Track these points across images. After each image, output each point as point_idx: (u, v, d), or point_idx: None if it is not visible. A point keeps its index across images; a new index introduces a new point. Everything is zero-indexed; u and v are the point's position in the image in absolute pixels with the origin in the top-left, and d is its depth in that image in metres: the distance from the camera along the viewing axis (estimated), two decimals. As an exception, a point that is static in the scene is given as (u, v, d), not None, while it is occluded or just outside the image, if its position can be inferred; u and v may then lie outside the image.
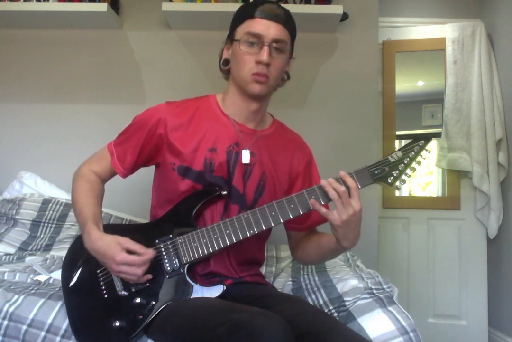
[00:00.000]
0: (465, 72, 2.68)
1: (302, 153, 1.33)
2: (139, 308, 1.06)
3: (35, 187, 2.12)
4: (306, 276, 1.44)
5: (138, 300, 1.06)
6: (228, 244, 1.09)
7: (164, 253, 1.10)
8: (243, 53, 1.15)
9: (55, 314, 1.09)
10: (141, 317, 1.05)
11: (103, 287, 1.10)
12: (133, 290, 1.07)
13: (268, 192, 1.23)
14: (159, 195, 1.27)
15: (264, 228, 1.08)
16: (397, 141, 2.91)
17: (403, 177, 1.11)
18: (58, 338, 1.06)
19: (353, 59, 2.29)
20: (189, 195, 1.18)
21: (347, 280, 1.25)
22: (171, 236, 1.12)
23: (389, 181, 1.10)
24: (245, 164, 1.21)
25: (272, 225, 1.09)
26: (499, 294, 2.61)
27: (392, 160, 1.10)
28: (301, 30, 2.27)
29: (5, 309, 1.09)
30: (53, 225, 1.90)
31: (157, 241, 1.12)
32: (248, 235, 1.08)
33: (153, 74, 2.28)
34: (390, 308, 1.07)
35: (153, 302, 1.06)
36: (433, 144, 3.15)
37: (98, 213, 1.15)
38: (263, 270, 1.62)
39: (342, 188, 1.04)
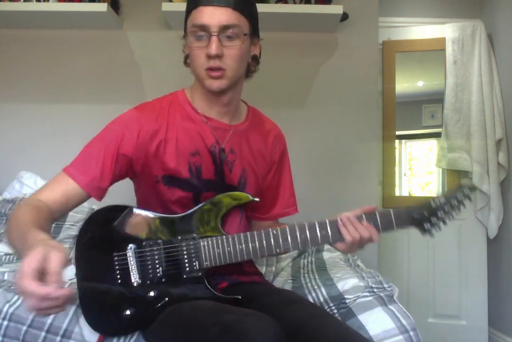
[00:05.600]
0: (465, 72, 2.68)
1: (279, 143, 1.30)
2: (152, 302, 1.03)
3: (35, 187, 2.11)
4: (306, 274, 1.44)
5: (152, 293, 1.03)
6: (252, 257, 1.06)
7: (185, 253, 1.06)
8: (193, 48, 1.07)
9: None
10: (153, 311, 1.03)
11: (118, 272, 1.05)
12: (148, 282, 1.04)
13: (251, 188, 1.21)
14: (150, 207, 1.16)
15: (291, 250, 1.07)
16: (397, 141, 2.91)
17: (440, 224, 1.07)
18: (58, 338, 1.06)
19: (353, 59, 2.29)
20: (221, 195, 1.12)
21: (348, 279, 1.25)
22: (195, 235, 1.07)
23: (425, 227, 1.07)
24: (227, 162, 1.17)
25: (300, 248, 1.07)
26: (499, 294, 2.61)
27: (433, 205, 1.07)
28: (301, 30, 2.30)
29: (5, 309, 1.08)
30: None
31: (179, 237, 1.07)
32: (274, 252, 1.06)
33: (153, 74, 2.28)
34: (390, 307, 1.08)
35: (166, 299, 1.04)
36: (433, 144, 3.15)
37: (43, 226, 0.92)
38: (263, 269, 1.62)
39: (357, 236, 1.03)
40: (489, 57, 2.63)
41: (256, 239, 1.05)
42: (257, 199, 1.13)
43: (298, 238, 1.05)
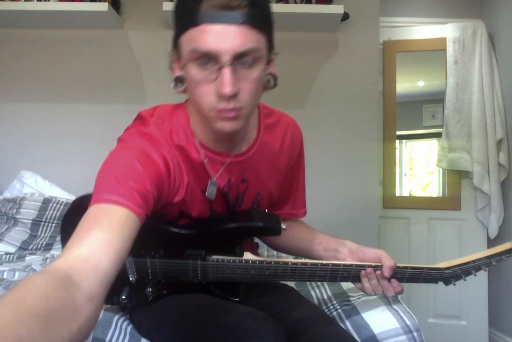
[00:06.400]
0: (466, 72, 2.67)
1: (296, 142, 1.12)
2: (149, 294, 1.00)
3: (35, 186, 2.12)
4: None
5: (150, 289, 1.00)
6: (261, 281, 1.03)
7: (190, 269, 0.97)
8: (197, 81, 0.81)
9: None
10: (150, 299, 1.00)
11: None
12: (147, 281, 0.99)
13: (264, 207, 1.10)
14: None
15: (305, 281, 1.04)
16: (397, 141, 2.91)
17: (467, 277, 1.02)
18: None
19: (353, 59, 2.29)
20: (246, 224, 1.00)
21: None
22: (203, 254, 0.96)
23: (451, 281, 1.02)
24: (240, 194, 1.03)
25: (316, 281, 1.05)
26: (499, 294, 2.61)
27: (472, 264, 1.01)
28: (302, 30, 2.30)
29: (4, 308, 1.08)
30: (54, 224, 1.90)
31: (185, 252, 0.96)
32: (287, 282, 1.02)
33: (154, 74, 2.28)
34: (395, 307, 1.08)
35: (165, 292, 1.01)
36: (433, 144, 3.15)
37: None
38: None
39: (379, 292, 0.99)
40: (490, 57, 2.62)
41: (272, 267, 0.97)
42: (284, 226, 1.00)
43: (317, 275, 0.99)
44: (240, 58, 0.78)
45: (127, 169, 0.80)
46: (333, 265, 0.98)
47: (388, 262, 0.98)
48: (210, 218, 1.02)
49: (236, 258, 0.96)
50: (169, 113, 0.97)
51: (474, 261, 1.00)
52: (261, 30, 0.79)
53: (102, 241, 0.66)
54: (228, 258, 0.96)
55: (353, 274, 0.99)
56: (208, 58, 0.78)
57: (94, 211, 0.72)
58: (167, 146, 0.91)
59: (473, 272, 1.01)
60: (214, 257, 0.96)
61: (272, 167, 1.06)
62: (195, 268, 0.97)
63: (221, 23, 0.76)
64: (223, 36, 0.76)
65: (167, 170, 0.89)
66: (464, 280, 1.02)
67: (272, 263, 0.97)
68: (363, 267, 0.98)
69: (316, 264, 0.98)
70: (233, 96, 0.79)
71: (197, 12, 0.76)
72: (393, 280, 0.99)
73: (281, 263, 0.97)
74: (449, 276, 1.01)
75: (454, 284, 1.03)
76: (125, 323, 1.08)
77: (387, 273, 0.97)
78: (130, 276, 0.98)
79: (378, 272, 0.98)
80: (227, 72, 0.77)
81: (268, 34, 0.83)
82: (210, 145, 0.95)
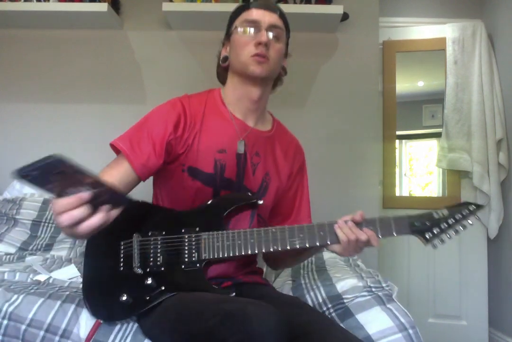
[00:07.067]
0: (465, 72, 2.67)
1: (299, 155, 1.37)
2: (148, 290, 1.06)
3: (35, 186, 2.12)
4: (306, 275, 1.44)
5: (149, 281, 1.06)
6: (249, 252, 1.08)
7: (186, 244, 1.10)
8: (242, 37, 1.19)
9: (54, 313, 1.09)
10: (148, 298, 1.05)
11: (122, 259, 1.09)
12: (148, 270, 1.08)
13: (271, 193, 1.25)
14: (167, 194, 1.24)
15: (288, 247, 1.08)
16: (397, 141, 2.91)
17: (444, 236, 1.09)
18: (57, 338, 1.06)
19: (353, 59, 2.29)
20: (226, 195, 1.19)
21: (347, 279, 1.25)
22: (197, 229, 1.11)
23: (427, 236, 1.10)
24: (251, 164, 1.22)
25: (297, 247, 1.08)
26: (499, 294, 2.61)
27: (436, 216, 1.09)
28: (302, 30, 2.30)
29: (4, 308, 1.08)
30: (54, 225, 1.90)
31: (183, 230, 1.12)
32: (271, 249, 1.08)
33: (153, 74, 2.29)
34: (389, 306, 1.08)
35: (163, 288, 1.06)
36: (433, 144, 3.15)
37: None
38: (263, 270, 1.62)
39: (353, 238, 1.05)
40: (490, 57, 2.62)
41: (255, 235, 1.09)
42: (260, 202, 1.17)
43: (296, 237, 1.08)
44: (272, 28, 1.18)
45: (146, 129, 1.15)
46: (308, 225, 1.10)
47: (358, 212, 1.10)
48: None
49: (224, 231, 1.10)
50: (206, 91, 1.30)
51: (436, 211, 1.09)
52: (284, 25, 1.24)
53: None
54: (217, 231, 1.11)
55: (328, 230, 1.08)
56: (253, 25, 1.18)
57: (115, 161, 1.15)
58: (187, 108, 1.20)
59: (445, 228, 1.08)
60: (205, 233, 1.11)
61: (280, 162, 1.29)
62: (190, 243, 1.10)
63: (264, 9, 1.20)
64: (263, 14, 1.20)
65: (176, 127, 1.16)
66: (441, 240, 1.10)
67: (254, 229, 1.10)
68: (335, 222, 1.09)
69: (293, 226, 1.10)
70: (266, 45, 1.16)
71: (249, 4, 1.22)
72: (365, 228, 1.07)
73: (262, 230, 1.09)
74: (420, 226, 1.08)
75: (433, 244, 1.10)
76: (129, 326, 1.08)
77: (357, 217, 1.08)
78: (133, 265, 1.07)
79: (350, 223, 1.07)
80: (264, 32, 1.17)
81: (287, 33, 1.26)
82: (238, 115, 1.24)
